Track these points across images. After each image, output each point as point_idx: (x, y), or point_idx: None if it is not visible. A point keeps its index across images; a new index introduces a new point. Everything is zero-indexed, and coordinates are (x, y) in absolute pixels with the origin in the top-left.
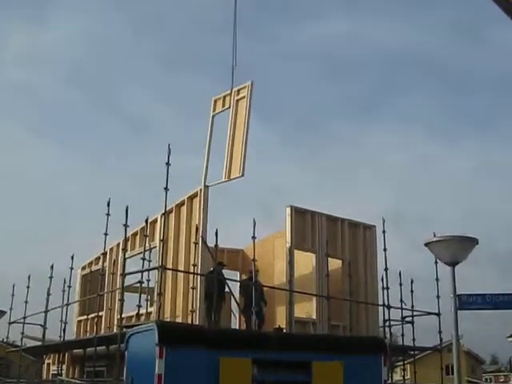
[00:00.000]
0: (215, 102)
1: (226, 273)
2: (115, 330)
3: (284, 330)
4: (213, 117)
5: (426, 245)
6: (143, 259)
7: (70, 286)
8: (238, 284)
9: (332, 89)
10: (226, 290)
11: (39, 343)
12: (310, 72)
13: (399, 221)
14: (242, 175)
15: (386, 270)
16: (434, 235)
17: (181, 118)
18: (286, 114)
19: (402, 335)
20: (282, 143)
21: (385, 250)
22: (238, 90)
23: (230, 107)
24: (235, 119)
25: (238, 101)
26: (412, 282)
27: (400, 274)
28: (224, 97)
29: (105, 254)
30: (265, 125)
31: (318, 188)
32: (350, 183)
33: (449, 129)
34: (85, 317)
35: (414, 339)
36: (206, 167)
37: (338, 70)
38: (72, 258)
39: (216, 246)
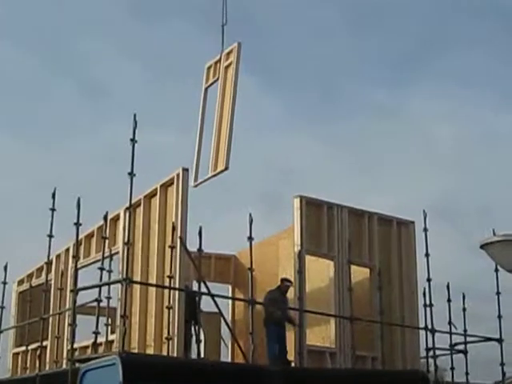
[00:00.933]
0: (208, 70)
1: (214, 287)
2: (64, 366)
3: (292, 364)
4: (205, 90)
5: (483, 247)
6: (101, 269)
7: (2, 307)
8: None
9: (360, 41)
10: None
11: None
12: (329, 18)
13: (452, 215)
14: (226, 168)
15: (428, 281)
16: (494, 234)
17: (152, 81)
18: (297, 75)
19: (452, 368)
20: (292, 113)
21: (427, 255)
22: (228, 54)
23: (218, 78)
24: (223, 93)
25: (226, 68)
26: (464, 297)
27: (448, 287)
28: (215, 63)
29: (49, 263)
30: (269, 89)
31: (342, 171)
32: (385, 165)
33: None
34: (23, 348)
35: (467, 374)
36: (198, 158)
37: (368, 15)
38: (5, 268)
39: (200, 250)
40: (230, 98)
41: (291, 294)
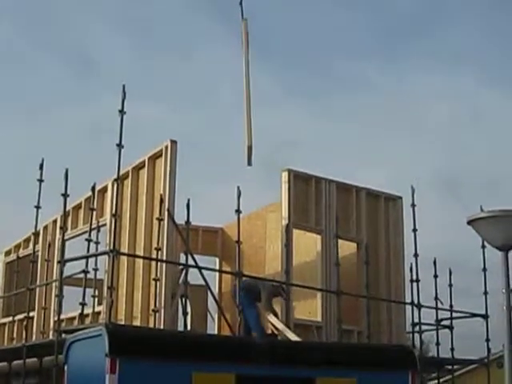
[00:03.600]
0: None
1: (201, 259)
2: (51, 336)
3: (278, 337)
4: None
5: (470, 223)
6: (88, 241)
7: None
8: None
9: (350, 18)
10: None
11: None
12: None
13: (451, 188)
14: (249, 146)
15: (415, 256)
16: (482, 210)
17: (140, 54)
18: (290, 49)
19: (437, 344)
20: (284, 87)
21: (414, 230)
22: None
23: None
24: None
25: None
26: (451, 272)
27: (435, 263)
28: None
29: (37, 233)
30: (260, 63)
31: (336, 145)
32: (379, 139)
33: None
34: (10, 319)
35: (452, 349)
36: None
37: None
38: None
39: (187, 223)
40: (244, 78)
41: (278, 266)
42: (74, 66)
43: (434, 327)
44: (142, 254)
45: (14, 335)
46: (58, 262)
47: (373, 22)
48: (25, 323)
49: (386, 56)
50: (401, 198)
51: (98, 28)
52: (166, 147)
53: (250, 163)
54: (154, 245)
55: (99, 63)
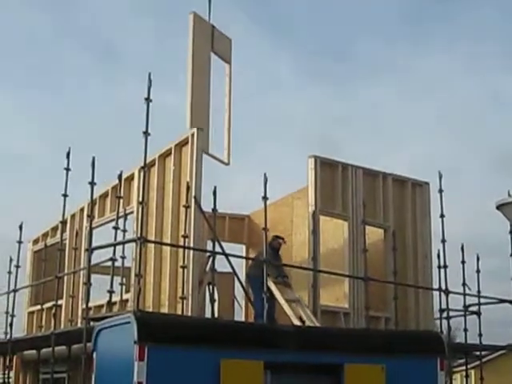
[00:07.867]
0: None
1: (228, 247)
2: (79, 324)
3: (306, 323)
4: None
5: (499, 208)
6: (116, 229)
7: (18, 266)
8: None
9: (375, 2)
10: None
11: None
12: None
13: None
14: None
15: (443, 242)
16: (509, 195)
17: (164, 37)
18: (311, 34)
19: (465, 330)
20: (305, 72)
21: (442, 216)
22: None
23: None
24: None
25: None
26: (478, 258)
27: (462, 249)
28: None
29: (64, 222)
30: (281, 48)
31: (362, 130)
32: (402, 125)
33: None
34: (38, 307)
35: (480, 335)
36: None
37: None
38: (20, 228)
39: (214, 210)
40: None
41: (305, 253)
42: (100, 52)
43: (462, 313)
44: (169, 241)
45: (43, 323)
46: (86, 250)
47: (399, 7)
48: (53, 311)
49: (412, 39)
50: (428, 183)
51: (121, 14)
52: (193, 135)
53: (223, 162)
54: (181, 232)
55: (124, 50)
